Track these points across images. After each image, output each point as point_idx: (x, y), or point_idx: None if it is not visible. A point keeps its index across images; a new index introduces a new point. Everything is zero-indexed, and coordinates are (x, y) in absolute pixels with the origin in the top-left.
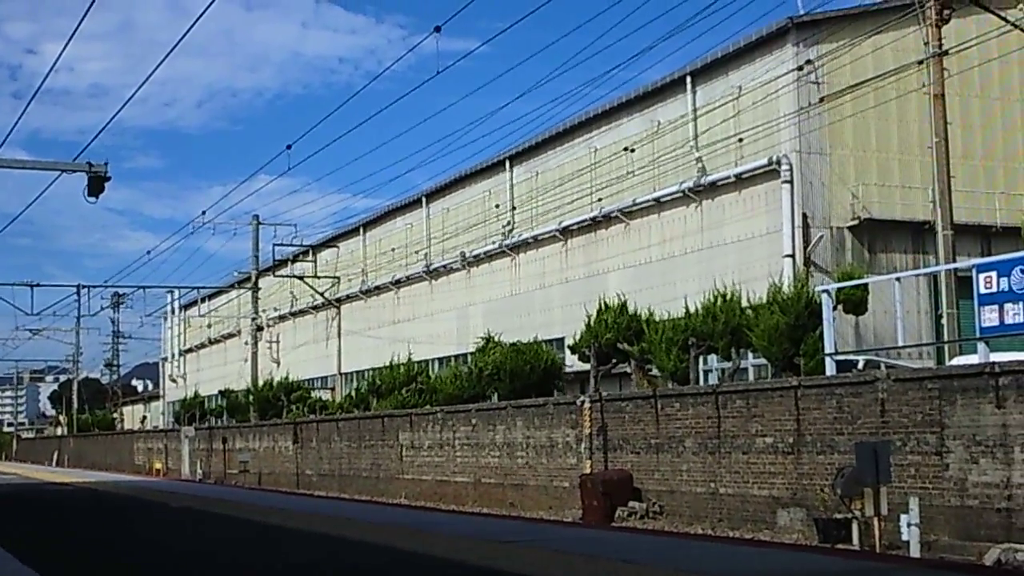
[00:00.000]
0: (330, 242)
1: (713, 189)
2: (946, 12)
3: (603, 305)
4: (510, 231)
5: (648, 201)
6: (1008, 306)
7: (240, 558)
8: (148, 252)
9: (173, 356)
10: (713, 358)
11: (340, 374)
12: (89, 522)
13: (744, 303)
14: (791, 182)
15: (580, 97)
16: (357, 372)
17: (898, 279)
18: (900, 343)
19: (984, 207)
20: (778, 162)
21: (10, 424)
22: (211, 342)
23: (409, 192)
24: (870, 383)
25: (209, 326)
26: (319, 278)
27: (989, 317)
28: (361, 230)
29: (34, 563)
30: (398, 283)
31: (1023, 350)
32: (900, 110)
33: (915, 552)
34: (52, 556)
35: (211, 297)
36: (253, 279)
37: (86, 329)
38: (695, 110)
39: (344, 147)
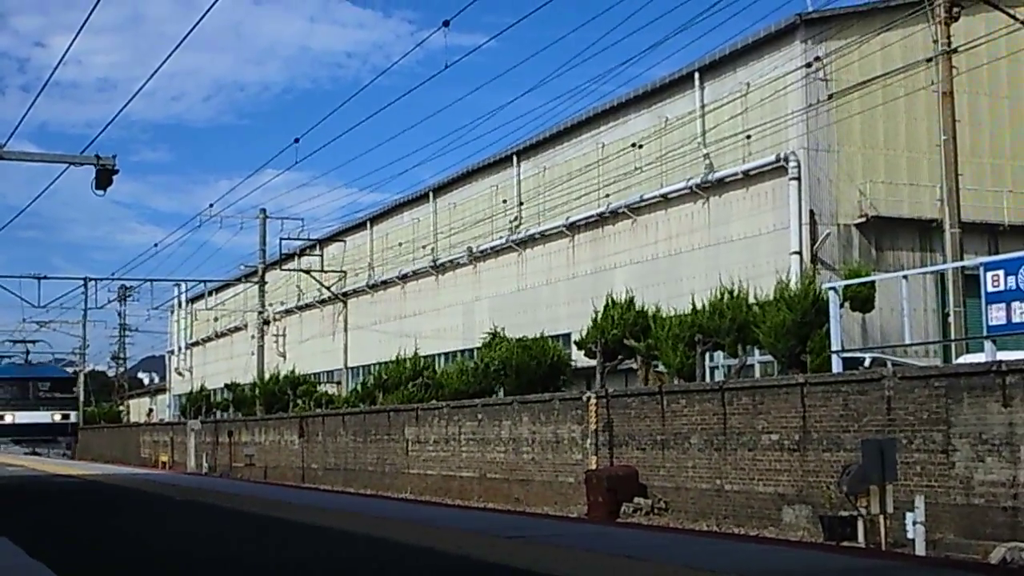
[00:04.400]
0: (337, 236)
1: (720, 186)
2: (955, 10)
3: (610, 301)
4: (517, 226)
5: (655, 197)
6: (1015, 304)
7: (243, 551)
8: (155, 245)
9: (179, 349)
10: (719, 355)
11: (346, 368)
12: (96, 514)
13: (751, 300)
14: (799, 179)
15: (588, 93)
16: (363, 366)
17: (905, 277)
18: (907, 341)
19: (992, 205)
20: (786, 159)
21: None
22: (217, 335)
23: (416, 187)
24: (876, 381)
25: (215, 319)
26: (326, 272)
27: (996, 315)
28: (368, 224)
29: (42, 556)
30: (404, 278)
31: None
32: (908, 108)
33: (920, 550)
34: (59, 549)
35: (218, 291)
36: (260, 273)
37: (93, 322)
38: (703, 106)
39: (351, 142)
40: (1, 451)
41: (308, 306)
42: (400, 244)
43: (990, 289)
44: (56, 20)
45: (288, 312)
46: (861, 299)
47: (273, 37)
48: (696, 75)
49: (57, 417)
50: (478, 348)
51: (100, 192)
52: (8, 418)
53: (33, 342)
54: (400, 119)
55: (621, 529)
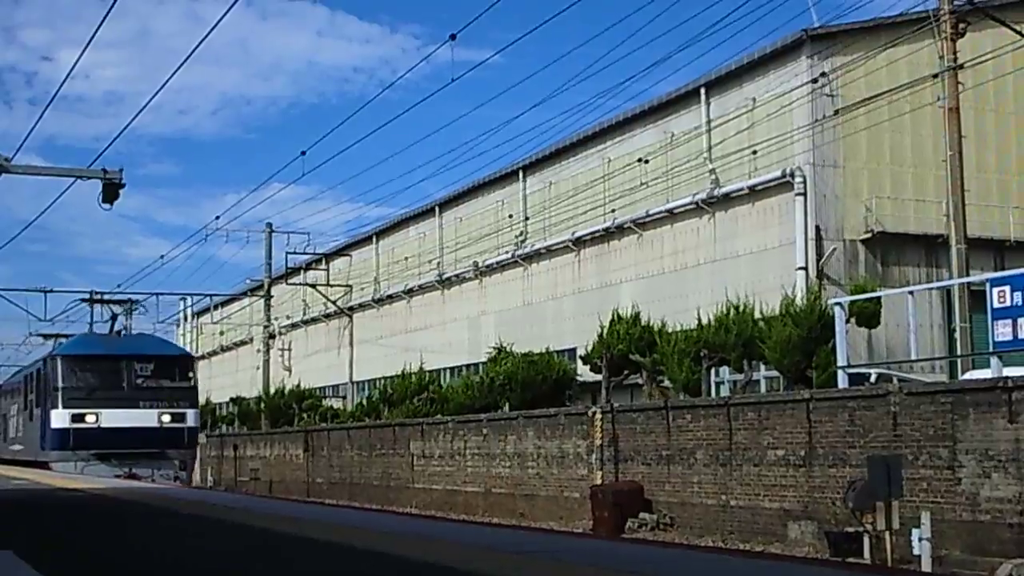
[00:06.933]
0: (343, 250)
1: (726, 201)
2: (961, 26)
3: (615, 316)
4: (523, 241)
5: (661, 212)
6: (1021, 320)
7: (248, 566)
8: (161, 257)
9: None
10: (725, 370)
11: (352, 383)
12: (101, 528)
13: (756, 315)
14: (804, 194)
15: (594, 108)
16: (369, 381)
17: (911, 293)
18: (913, 357)
19: (998, 221)
20: (792, 174)
21: None
22: (223, 349)
23: (422, 201)
24: (882, 396)
25: (221, 333)
26: (331, 286)
27: (1002, 331)
28: (374, 239)
29: (48, 570)
30: (410, 292)
31: None
32: (914, 123)
33: (926, 567)
34: (65, 563)
35: (223, 304)
36: (266, 287)
37: None
38: (709, 122)
39: (358, 156)
40: (74, 471)
41: (314, 320)
42: (406, 258)
43: (996, 305)
44: (64, 34)
45: (294, 326)
46: (867, 315)
47: (280, 52)
48: (702, 90)
49: (166, 418)
50: (484, 363)
51: (107, 206)
52: (90, 419)
53: (127, 302)
54: (406, 133)
55: (627, 545)
